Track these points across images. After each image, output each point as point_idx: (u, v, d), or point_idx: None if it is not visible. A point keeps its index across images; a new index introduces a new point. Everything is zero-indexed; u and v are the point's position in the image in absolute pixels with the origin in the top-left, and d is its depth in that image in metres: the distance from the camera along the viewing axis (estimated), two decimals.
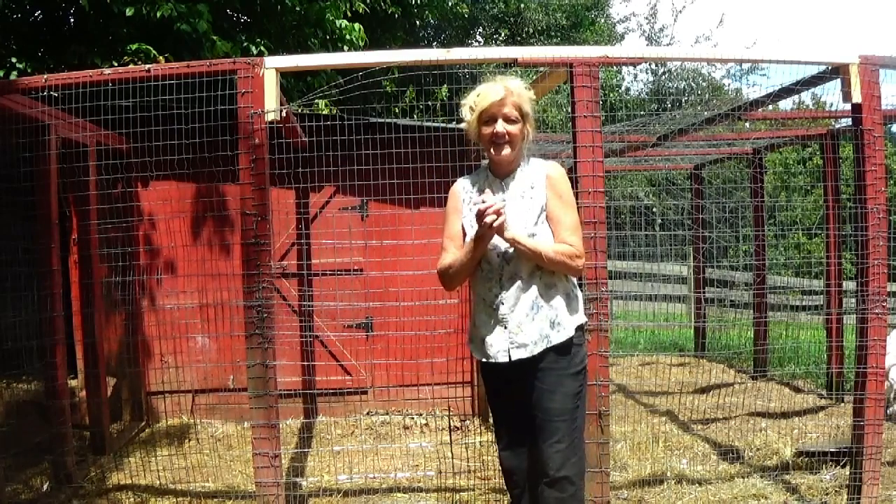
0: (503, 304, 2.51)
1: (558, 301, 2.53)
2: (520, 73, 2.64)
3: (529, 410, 2.51)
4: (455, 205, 2.65)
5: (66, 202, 4.29)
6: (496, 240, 2.46)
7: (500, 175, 2.61)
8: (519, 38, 15.55)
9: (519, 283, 2.50)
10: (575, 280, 2.62)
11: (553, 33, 16.04)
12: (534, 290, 2.50)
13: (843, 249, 6.41)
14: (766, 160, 7.55)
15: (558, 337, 2.50)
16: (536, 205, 2.53)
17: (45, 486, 3.88)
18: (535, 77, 3.58)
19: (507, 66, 3.47)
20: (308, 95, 3.83)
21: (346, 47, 7.57)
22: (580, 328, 2.59)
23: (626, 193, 10.29)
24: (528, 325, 2.49)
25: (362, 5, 8.04)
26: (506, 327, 2.51)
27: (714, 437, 4.71)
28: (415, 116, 10.32)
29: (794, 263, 8.45)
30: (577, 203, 2.99)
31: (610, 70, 15.15)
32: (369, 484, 4.03)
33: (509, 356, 2.50)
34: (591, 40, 16.05)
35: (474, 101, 2.53)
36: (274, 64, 3.13)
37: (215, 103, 3.32)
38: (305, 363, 5.16)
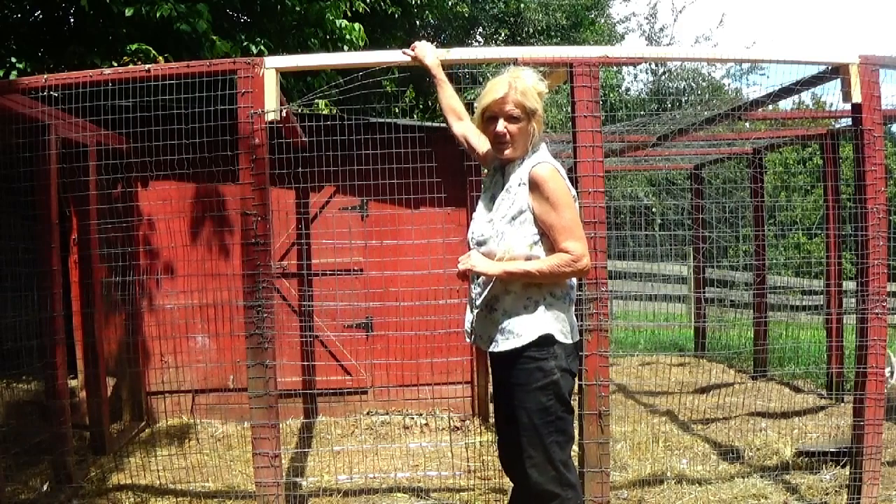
0: (478, 287, 2.52)
1: (515, 307, 2.40)
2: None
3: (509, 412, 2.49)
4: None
5: (66, 202, 4.29)
6: (471, 227, 2.54)
7: (504, 162, 2.55)
8: (519, 38, 15.54)
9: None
10: (559, 292, 2.40)
11: (553, 33, 16.03)
12: (496, 287, 2.43)
13: (843, 249, 6.41)
14: (766, 160, 7.56)
15: (506, 344, 2.39)
16: (516, 205, 2.41)
17: (45, 486, 3.87)
18: None
19: (507, 66, 3.47)
20: (308, 95, 3.84)
21: (346, 47, 7.57)
22: (547, 341, 2.36)
23: (626, 193, 10.28)
24: (481, 319, 2.50)
25: (362, 5, 8.04)
26: (472, 311, 2.54)
27: (714, 437, 4.71)
28: (415, 116, 10.33)
29: (794, 263, 8.45)
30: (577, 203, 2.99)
31: (610, 70, 15.14)
32: (369, 484, 4.03)
33: (472, 336, 2.57)
34: (591, 40, 16.04)
35: (481, 96, 2.49)
36: (274, 64, 3.13)
37: (215, 103, 3.32)
38: (305, 363, 5.16)
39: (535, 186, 2.36)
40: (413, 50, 3.06)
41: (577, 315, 2.69)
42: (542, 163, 2.38)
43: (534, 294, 2.39)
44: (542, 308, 2.38)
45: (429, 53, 3.02)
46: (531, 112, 2.42)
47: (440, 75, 2.95)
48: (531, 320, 2.37)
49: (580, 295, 2.99)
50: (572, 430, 2.46)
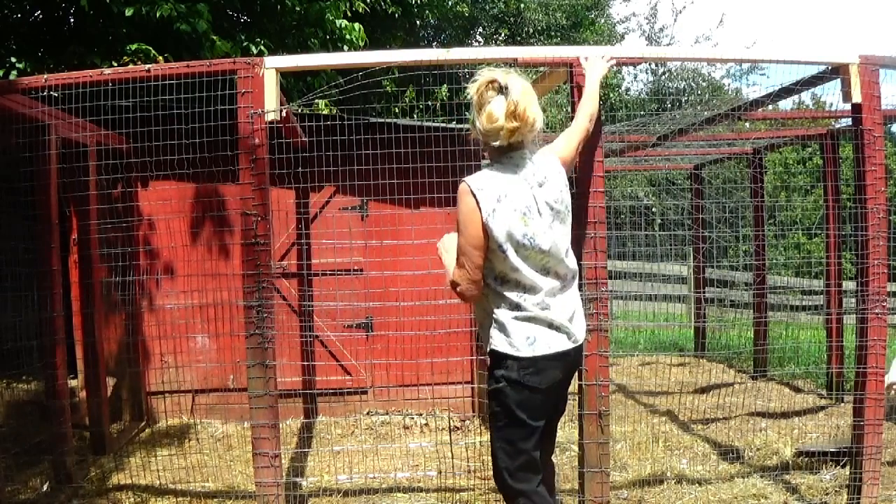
0: None
1: (479, 316, 2.48)
2: (519, 73, 2.58)
3: None
4: None
5: (66, 202, 4.29)
6: None
7: None
8: (519, 38, 15.54)
9: None
10: (499, 305, 2.37)
11: (553, 33, 16.03)
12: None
13: (843, 249, 6.41)
14: (766, 160, 7.56)
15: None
16: None
17: (45, 486, 3.87)
18: (535, 77, 3.59)
19: (507, 66, 3.48)
20: (308, 95, 3.84)
21: (346, 47, 7.57)
22: (493, 355, 2.38)
23: (626, 193, 10.28)
24: None
25: (362, 5, 8.04)
26: None
27: (714, 437, 4.71)
28: (415, 116, 10.33)
29: (794, 263, 8.45)
30: (575, 203, 2.99)
31: (610, 70, 15.12)
32: (369, 484, 4.03)
33: None
34: (591, 40, 16.04)
35: None
36: (274, 64, 3.13)
37: (215, 103, 3.32)
38: (305, 363, 5.16)
39: None
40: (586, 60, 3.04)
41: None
42: (463, 180, 2.35)
43: (485, 306, 2.42)
44: (492, 321, 2.39)
45: (596, 70, 2.99)
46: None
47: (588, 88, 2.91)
48: (485, 333, 2.42)
49: (581, 295, 2.99)
50: (523, 443, 2.38)
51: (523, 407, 2.35)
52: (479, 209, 2.28)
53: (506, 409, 2.36)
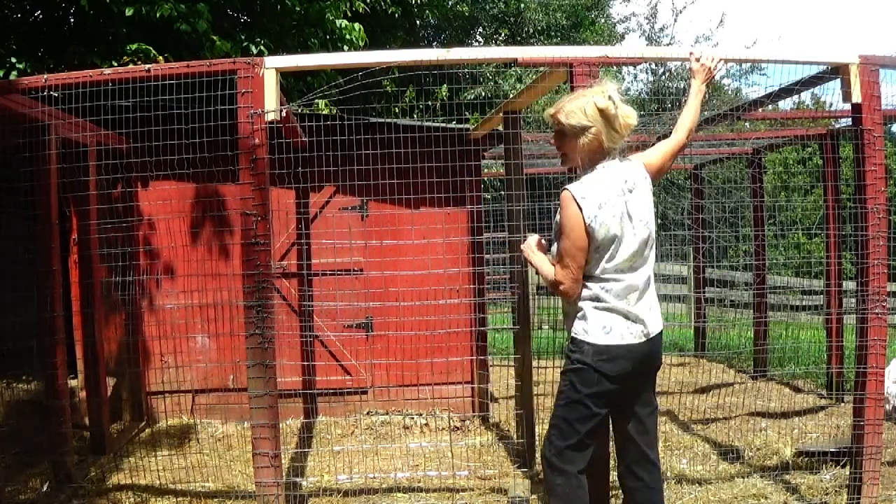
0: None
1: (566, 309, 2.67)
2: (519, 72, 2.59)
3: None
4: None
5: (66, 202, 4.29)
6: None
7: None
8: (519, 38, 15.55)
9: None
10: (584, 297, 2.58)
11: (553, 33, 16.04)
12: None
13: (843, 249, 6.41)
14: (766, 160, 7.56)
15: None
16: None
17: (45, 486, 3.87)
18: (535, 77, 3.59)
19: (507, 66, 3.49)
20: (308, 95, 3.83)
21: (346, 47, 7.58)
22: (573, 341, 2.59)
23: None
24: None
25: (362, 5, 8.05)
26: None
27: (714, 437, 4.71)
28: (415, 116, 10.33)
29: (794, 263, 8.45)
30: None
31: (610, 70, 15.14)
32: (369, 484, 4.03)
33: None
34: (591, 40, 16.05)
35: None
36: (274, 64, 3.13)
37: (215, 103, 3.32)
38: (305, 363, 5.16)
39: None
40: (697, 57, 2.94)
41: None
42: (567, 188, 2.53)
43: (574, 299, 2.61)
44: (576, 312, 2.59)
45: (703, 77, 2.91)
46: (573, 129, 2.54)
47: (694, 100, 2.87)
48: (570, 322, 2.63)
49: None
50: (579, 425, 2.55)
51: (590, 390, 2.53)
52: (583, 215, 2.49)
53: (572, 388, 2.55)
